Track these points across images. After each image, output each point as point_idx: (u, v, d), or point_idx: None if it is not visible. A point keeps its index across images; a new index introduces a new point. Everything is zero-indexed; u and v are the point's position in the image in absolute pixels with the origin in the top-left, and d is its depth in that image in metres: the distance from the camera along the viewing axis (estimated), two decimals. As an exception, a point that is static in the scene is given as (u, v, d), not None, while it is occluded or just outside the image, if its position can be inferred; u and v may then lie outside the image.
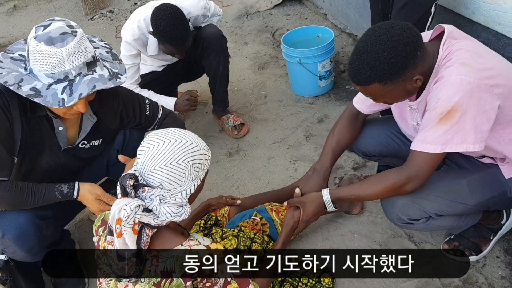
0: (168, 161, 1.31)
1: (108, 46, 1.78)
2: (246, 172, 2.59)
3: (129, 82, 2.55)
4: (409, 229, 1.88)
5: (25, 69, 1.59)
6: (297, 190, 1.88)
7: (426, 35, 1.62)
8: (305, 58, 2.86)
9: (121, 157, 1.83)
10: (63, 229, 2.06)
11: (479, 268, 1.86)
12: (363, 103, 1.89)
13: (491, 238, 1.90)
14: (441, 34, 1.56)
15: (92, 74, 1.59)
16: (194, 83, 3.23)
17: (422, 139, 1.51)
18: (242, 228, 1.94)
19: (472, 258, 1.88)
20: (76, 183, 1.79)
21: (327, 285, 1.84)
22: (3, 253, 1.80)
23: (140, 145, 1.37)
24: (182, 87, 3.18)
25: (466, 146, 1.45)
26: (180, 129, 1.40)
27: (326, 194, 1.76)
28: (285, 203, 1.80)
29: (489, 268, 1.85)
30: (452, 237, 1.94)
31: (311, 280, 1.86)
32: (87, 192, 1.78)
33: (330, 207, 1.77)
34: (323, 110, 2.93)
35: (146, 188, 1.32)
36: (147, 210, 1.31)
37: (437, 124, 1.46)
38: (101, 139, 1.95)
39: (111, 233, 1.33)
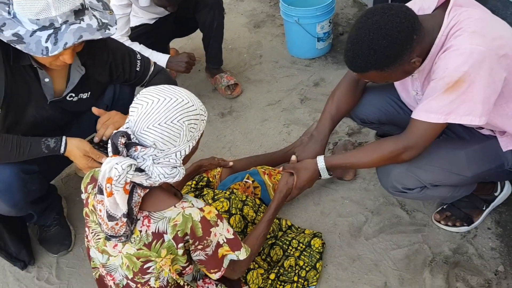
0: (163, 120, 1.24)
1: None
2: (238, 133, 2.54)
3: (118, 34, 2.43)
4: (403, 198, 1.86)
5: (9, 13, 1.49)
6: (293, 158, 1.84)
7: (433, 2, 1.55)
8: (303, 18, 2.76)
9: (94, 109, 1.79)
10: (50, 184, 2.01)
11: (469, 239, 1.87)
12: None
13: (484, 209, 1.90)
14: (447, 1, 1.49)
15: (80, 23, 1.50)
16: (187, 39, 3.12)
17: (426, 108, 1.47)
18: (234, 190, 1.91)
19: (463, 229, 1.88)
20: (64, 137, 1.72)
21: (317, 249, 1.83)
22: (-13, 207, 1.75)
23: (133, 101, 1.30)
24: (174, 43, 3.07)
25: (471, 119, 1.42)
26: (176, 87, 1.33)
27: (321, 161, 1.72)
28: (280, 168, 1.76)
29: (480, 239, 1.86)
30: (444, 207, 1.94)
31: (301, 244, 1.86)
32: (75, 148, 1.72)
33: (325, 175, 1.74)
34: (319, 73, 2.86)
35: (139, 147, 1.26)
36: (139, 170, 1.26)
37: (443, 93, 1.41)
38: (89, 92, 1.87)
39: (101, 192, 1.28)
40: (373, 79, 1.53)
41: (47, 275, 1.93)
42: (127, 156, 1.25)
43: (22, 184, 1.69)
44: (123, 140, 1.24)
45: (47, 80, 1.71)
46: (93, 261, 1.51)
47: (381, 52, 1.39)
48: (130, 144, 1.26)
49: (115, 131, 1.29)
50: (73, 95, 1.82)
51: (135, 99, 1.31)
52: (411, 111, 1.57)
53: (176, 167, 1.30)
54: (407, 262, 1.82)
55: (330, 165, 1.72)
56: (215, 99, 2.78)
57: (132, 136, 1.28)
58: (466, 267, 1.77)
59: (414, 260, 1.82)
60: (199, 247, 1.36)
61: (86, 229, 1.46)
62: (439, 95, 1.42)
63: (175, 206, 1.33)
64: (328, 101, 1.88)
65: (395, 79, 1.57)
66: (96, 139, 1.78)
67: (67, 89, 1.78)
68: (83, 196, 1.47)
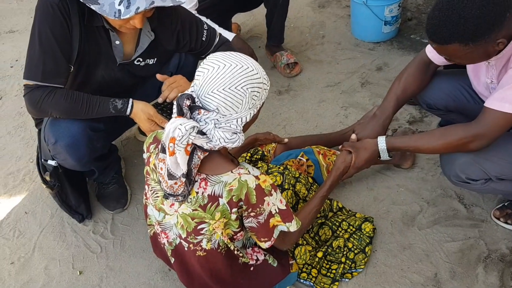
0: (227, 86, 1.26)
1: None
2: (294, 112, 2.53)
3: (187, 6, 2.46)
4: (465, 188, 1.78)
5: None
6: (353, 136, 1.80)
7: None
8: (372, 0, 2.68)
9: (158, 75, 1.82)
10: (112, 144, 2.09)
11: (530, 239, 1.78)
12: (436, 52, 1.75)
13: (548, 210, 1.80)
14: None
15: None
16: (249, 15, 3.12)
17: (501, 97, 1.39)
18: (288, 166, 1.91)
19: (524, 228, 1.80)
20: (130, 100, 1.78)
21: (367, 234, 1.81)
22: (53, 159, 1.85)
23: (200, 65, 1.32)
24: (237, 18, 3.07)
25: None
26: (242, 54, 1.34)
27: (382, 142, 1.67)
28: (340, 147, 1.74)
29: (542, 240, 1.77)
30: (506, 204, 1.85)
31: (351, 227, 1.84)
32: (140, 111, 1.77)
33: (385, 156, 1.69)
34: (383, 57, 2.78)
35: (202, 111, 1.28)
36: (201, 132, 1.28)
37: None
38: (156, 59, 1.92)
39: (163, 150, 1.32)
40: (451, 55, 1.45)
41: (103, 230, 2.02)
42: (191, 118, 1.28)
43: (88, 141, 1.77)
44: (188, 102, 1.26)
45: (117, 42, 1.77)
46: (149, 219, 1.57)
47: (471, 22, 1.31)
48: (194, 107, 1.29)
49: (181, 93, 1.32)
50: (141, 59, 1.87)
51: (202, 63, 1.33)
52: (482, 101, 1.50)
53: (236, 133, 1.31)
54: (461, 256, 1.76)
55: (391, 146, 1.67)
56: (273, 76, 2.77)
57: (196, 100, 1.30)
58: (524, 268, 1.69)
59: (468, 254, 1.76)
60: (252, 214, 1.37)
61: (146, 186, 1.52)
62: None
63: (232, 172, 1.35)
64: (395, 81, 1.82)
65: (473, 60, 1.48)
66: (160, 100, 1.83)
67: (136, 53, 1.83)
68: (145, 155, 1.52)
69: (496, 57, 1.48)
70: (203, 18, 2.51)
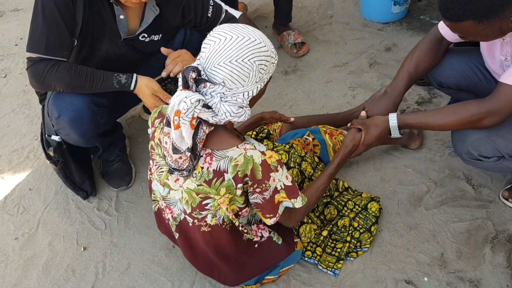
0: (234, 58, 1.23)
1: None
2: (301, 92, 2.49)
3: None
4: (476, 166, 1.75)
5: None
6: (363, 113, 1.77)
7: None
8: (382, -21, 2.63)
9: (163, 49, 1.79)
10: (116, 121, 2.08)
11: (539, 221, 1.75)
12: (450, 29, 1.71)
13: (558, 191, 1.77)
14: None
15: None
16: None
17: None
18: (294, 145, 1.88)
19: (534, 210, 1.77)
20: (134, 75, 1.75)
21: (373, 213, 1.79)
22: (57, 135, 1.83)
23: (206, 38, 1.30)
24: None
25: None
26: (249, 26, 1.31)
27: (393, 118, 1.64)
28: (349, 124, 1.71)
29: (551, 222, 1.75)
30: (515, 185, 1.82)
31: (357, 206, 1.82)
32: (144, 86, 1.75)
33: (395, 133, 1.66)
34: (392, 38, 2.73)
35: (208, 84, 1.26)
36: (206, 106, 1.26)
37: None
38: (161, 35, 1.89)
39: (168, 124, 1.30)
40: (465, 32, 1.41)
41: (107, 207, 2.02)
42: (196, 91, 1.26)
43: (92, 115, 1.75)
44: (193, 75, 1.24)
45: (122, 17, 1.74)
46: (154, 194, 1.55)
47: None
48: (199, 80, 1.26)
49: (187, 66, 1.29)
50: (145, 35, 1.84)
51: (208, 35, 1.30)
52: (494, 80, 1.47)
53: (242, 107, 1.29)
54: (468, 236, 1.74)
55: (403, 123, 1.64)
56: (280, 56, 2.72)
57: (202, 73, 1.28)
58: (532, 249, 1.67)
59: (475, 235, 1.74)
60: (257, 190, 1.35)
61: (151, 161, 1.50)
62: None
63: (237, 147, 1.33)
64: (407, 58, 1.78)
65: (487, 37, 1.44)
66: (164, 74, 1.80)
67: (141, 28, 1.80)
68: (150, 130, 1.50)
69: (511, 34, 1.44)
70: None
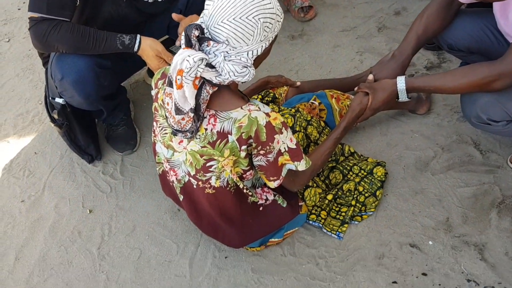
0: (238, 15, 1.20)
1: None
2: (307, 57, 2.45)
3: None
4: (484, 130, 1.73)
5: None
6: (370, 76, 1.73)
7: None
8: None
9: (174, 15, 1.75)
10: (120, 85, 2.05)
11: (547, 186, 1.73)
12: None
13: None
14: None
15: None
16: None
17: None
18: (300, 109, 1.86)
19: (542, 176, 1.75)
20: (138, 35, 1.72)
21: (379, 178, 1.78)
22: (61, 97, 1.82)
23: (209, -6, 1.25)
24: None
25: None
26: (255, -17, 1.26)
27: (401, 82, 1.60)
28: (356, 88, 1.67)
29: (559, 187, 1.73)
30: (524, 150, 1.80)
31: (362, 171, 1.81)
32: (148, 47, 1.72)
33: (403, 97, 1.62)
34: (401, 2, 2.65)
35: (212, 42, 1.23)
36: (210, 65, 1.24)
37: None
38: (164, -5, 1.85)
39: (170, 84, 1.28)
40: None
41: (112, 171, 2.02)
42: (199, 50, 1.23)
43: (95, 77, 1.73)
44: (196, 33, 1.21)
45: (124, -25, 1.70)
46: (158, 156, 1.55)
47: None
48: (203, 39, 1.23)
49: (190, 23, 1.26)
50: (149, -4, 1.80)
51: (211, -9, 1.26)
52: (507, 42, 1.42)
53: (246, 67, 1.26)
54: (474, 201, 1.73)
55: (411, 86, 1.60)
56: (287, 20, 2.66)
57: (205, 31, 1.24)
58: (539, 214, 1.66)
59: (481, 200, 1.73)
60: (262, 152, 1.34)
61: (154, 123, 1.49)
62: None
63: (241, 108, 1.31)
64: (416, 20, 1.73)
65: None
66: (178, 43, 1.77)
67: (144, -12, 1.76)
68: (153, 92, 1.48)
69: None
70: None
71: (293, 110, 1.83)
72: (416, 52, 1.75)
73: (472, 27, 1.70)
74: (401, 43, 1.75)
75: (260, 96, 1.96)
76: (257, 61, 1.33)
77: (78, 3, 1.67)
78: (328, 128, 1.89)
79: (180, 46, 1.76)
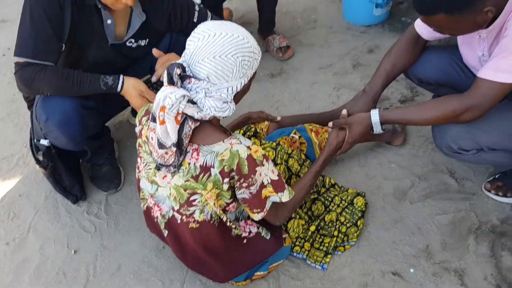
0: (217, 54, 1.26)
1: None
2: (287, 94, 2.54)
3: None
4: (456, 159, 1.79)
5: None
6: (344, 112, 1.80)
7: None
8: (363, -18, 2.70)
9: (154, 51, 1.81)
10: (104, 125, 2.09)
11: (520, 210, 1.80)
12: (425, 27, 1.75)
13: (539, 182, 1.81)
14: None
15: None
16: (241, 0, 3.11)
17: (495, 67, 1.40)
18: (281, 143, 1.92)
19: (514, 200, 1.81)
20: (121, 76, 1.78)
21: (359, 208, 1.82)
22: (45, 138, 1.85)
23: (191, 35, 1.33)
24: (229, 3, 3.07)
25: None
26: (234, 24, 1.35)
27: (375, 114, 1.67)
28: (330, 124, 1.74)
29: (532, 211, 1.79)
30: (496, 176, 1.87)
31: (343, 201, 1.85)
32: (131, 87, 1.77)
33: (378, 129, 1.69)
34: (374, 40, 2.79)
35: (193, 80, 1.29)
36: (191, 102, 1.29)
37: None
38: (147, 39, 1.92)
39: (154, 119, 1.33)
40: (439, 25, 1.44)
41: (97, 210, 2.03)
42: (181, 87, 1.29)
43: (80, 118, 1.77)
44: (178, 71, 1.27)
45: (109, 21, 1.77)
46: (142, 192, 1.57)
47: None
48: (184, 77, 1.29)
49: (172, 62, 1.32)
50: (133, 41, 1.87)
51: (192, 33, 1.33)
52: (473, 75, 1.51)
53: (227, 102, 1.32)
54: (452, 228, 1.78)
55: (385, 119, 1.66)
56: (266, 60, 2.78)
57: (187, 69, 1.31)
58: (514, 238, 1.71)
59: (459, 226, 1.78)
60: (244, 184, 1.38)
61: (138, 159, 1.52)
62: (511, 53, 1.36)
63: (223, 141, 1.35)
64: (384, 57, 1.83)
65: (462, 30, 1.48)
66: (154, 79, 1.83)
67: (128, 34, 1.83)
68: (137, 129, 1.53)
69: (488, 30, 1.48)
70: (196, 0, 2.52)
71: (274, 143, 1.89)
72: (385, 86, 1.84)
73: (439, 61, 1.80)
74: (371, 78, 1.85)
75: (242, 131, 2.02)
76: (237, 97, 1.39)
77: (63, 48, 1.73)
78: (309, 160, 1.94)
79: (154, 81, 1.84)
